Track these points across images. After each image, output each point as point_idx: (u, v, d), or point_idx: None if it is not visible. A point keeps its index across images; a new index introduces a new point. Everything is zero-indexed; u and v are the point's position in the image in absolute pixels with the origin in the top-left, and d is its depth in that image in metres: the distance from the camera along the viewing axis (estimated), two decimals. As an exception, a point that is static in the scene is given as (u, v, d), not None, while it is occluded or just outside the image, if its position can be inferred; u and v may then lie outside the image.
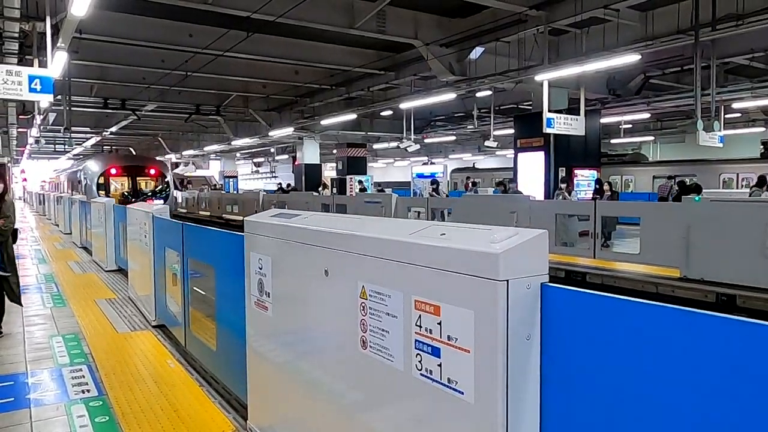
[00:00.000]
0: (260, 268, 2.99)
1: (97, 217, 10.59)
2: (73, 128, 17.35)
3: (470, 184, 22.48)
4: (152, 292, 5.86)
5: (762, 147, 20.54)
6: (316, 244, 2.47)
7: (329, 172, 37.14)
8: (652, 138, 27.24)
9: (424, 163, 34.31)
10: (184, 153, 34.95)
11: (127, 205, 8.26)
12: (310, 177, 26.73)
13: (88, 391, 3.98)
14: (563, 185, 13.09)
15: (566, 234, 9.99)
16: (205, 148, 32.15)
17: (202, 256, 4.50)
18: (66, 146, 35.84)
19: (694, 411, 1.30)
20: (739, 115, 21.12)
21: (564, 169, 14.84)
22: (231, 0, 10.23)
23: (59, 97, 15.54)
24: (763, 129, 22.37)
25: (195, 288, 4.95)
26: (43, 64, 8.82)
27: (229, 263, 3.61)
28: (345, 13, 11.50)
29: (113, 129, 27.03)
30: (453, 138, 27.27)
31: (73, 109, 16.71)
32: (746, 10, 9.12)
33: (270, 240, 2.94)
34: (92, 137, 31.78)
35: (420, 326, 1.84)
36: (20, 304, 5.72)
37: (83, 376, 4.28)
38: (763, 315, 6.10)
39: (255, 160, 48.54)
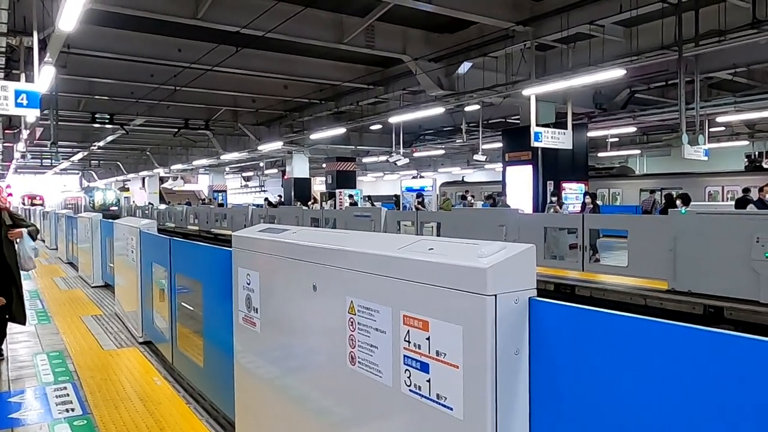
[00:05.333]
0: (248, 284, 2.97)
1: (83, 233, 10.48)
2: (60, 143, 17.26)
3: (462, 197, 22.50)
4: (139, 308, 5.80)
5: (746, 160, 20.86)
6: (304, 259, 2.46)
7: (318, 186, 37.12)
8: (638, 151, 27.56)
9: (414, 177, 34.39)
10: (173, 167, 34.80)
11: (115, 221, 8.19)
12: (300, 191, 26.71)
13: (73, 410, 3.91)
14: (554, 198, 13.16)
15: (557, 247, 10.03)
16: (194, 163, 32.07)
17: (190, 272, 4.46)
18: (53, 161, 35.59)
19: (682, 424, 1.29)
20: (723, 128, 21.43)
21: (552, 182, 14.95)
22: (219, 15, 10.27)
23: (46, 111, 15.46)
24: (746, 142, 22.71)
25: (183, 303, 4.90)
26: (30, 79, 8.78)
27: (216, 279, 3.58)
28: (334, 28, 11.59)
29: (101, 143, 26.91)
30: (442, 152, 27.41)
31: (60, 123, 16.65)
32: (728, 26, 9.30)
33: (258, 255, 2.92)
34: (79, 152, 31.58)
35: (408, 342, 1.83)
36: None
37: (67, 395, 4.20)
38: (751, 327, 6.16)
39: (244, 174, 48.43)
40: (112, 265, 8.25)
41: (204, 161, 31.18)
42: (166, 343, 4.99)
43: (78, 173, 53.58)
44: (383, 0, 10.09)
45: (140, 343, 5.71)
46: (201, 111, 21.44)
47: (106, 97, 17.67)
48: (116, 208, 34.87)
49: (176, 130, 23.33)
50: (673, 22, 9.63)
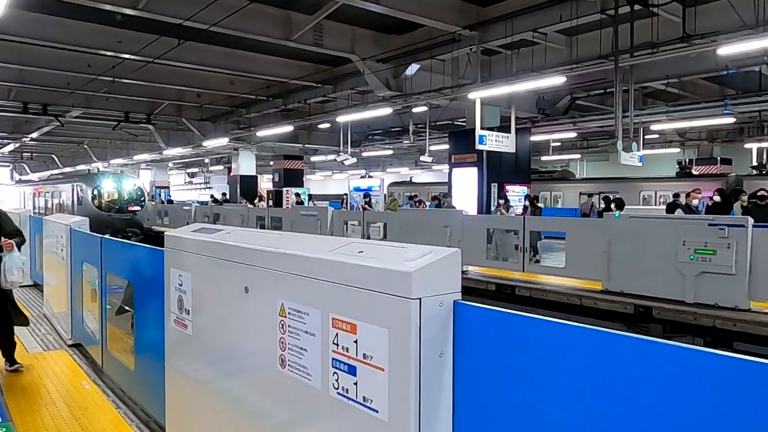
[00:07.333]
0: (180, 285, 2.89)
1: (11, 229, 9.93)
2: (-13, 133, 16.31)
3: (409, 197, 22.59)
4: (69, 308, 5.55)
5: (677, 166, 21.96)
6: (236, 260, 2.42)
7: (266, 183, 36.56)
8: (578, 156, 28.52)
9: (362, 177, 34.39)
10: (112, 161, 33.46)
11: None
12: (246, 188, 26.21)
13: (-9, 417, 3.70)
14: (502, 201, 13.38)
15: (503, 249, 10.23)
16: (135, 158, 30.92)
17: (121, 272, 4.30)
18: (-20, 153, 33.50)
19: (595, 423, 1.35)
20: (656, 136, 22.48)
21: (496, 184, 15.24)
22: (161, 6, 9.94)
23: (-28, 99, 14.60)
24: (678, 150, 23.90)
25: (120, 305, 4.74)
26: (-48, 65, 8.24)
27: (148, 279, 3.47)
28: (282, 24, 11.43)
29: (34, 135, 25.57)
30: (390, 152, 27.51)
31: (-13, 113, 15.71)
32: (661, 39, 9.75)
33: (191, 256, 2.85)
34: (10, 143, 29.93)
35: (337, 344, 1.83)
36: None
37: (-14, 401, 3.98)
38: (676, 325, 6.48)
39: (189, 170, 47.12)
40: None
41: (146, 156, 30.14)
42: (97, 346, 4.80)
43: (9, 165, 50.76)
44: (331, -2, 10.05)
45: (69, 346, 5.47)
46: (142, 104, 20.69)
47: (40, 87, 16.79)
48: (139, 208, 20.43)
49: (116, 123, 22.43)
50: (611, 33, 10.02)
